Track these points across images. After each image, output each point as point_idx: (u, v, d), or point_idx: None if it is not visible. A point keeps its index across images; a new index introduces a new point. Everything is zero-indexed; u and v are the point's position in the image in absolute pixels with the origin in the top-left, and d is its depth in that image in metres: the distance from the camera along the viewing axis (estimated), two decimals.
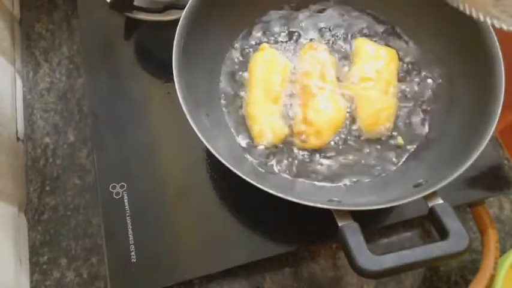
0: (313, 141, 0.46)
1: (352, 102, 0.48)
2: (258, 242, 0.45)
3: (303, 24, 0.53)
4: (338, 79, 0.49)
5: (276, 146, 0.46)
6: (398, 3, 0.51)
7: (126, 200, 0.46)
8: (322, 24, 0.53)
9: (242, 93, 0.49)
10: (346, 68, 0.50)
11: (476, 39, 0.44)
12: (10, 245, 0.46)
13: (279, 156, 0.46)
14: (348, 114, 0.48)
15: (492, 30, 0.42)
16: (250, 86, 0.48)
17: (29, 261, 0.48)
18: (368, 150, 0.47)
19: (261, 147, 0.46)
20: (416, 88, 0.49)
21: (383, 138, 0.47)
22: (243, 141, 0.47)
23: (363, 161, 0.46)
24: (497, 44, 0.43)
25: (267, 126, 0.46)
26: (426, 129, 0.47)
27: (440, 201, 0.37)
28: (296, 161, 0.46)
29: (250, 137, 0.47)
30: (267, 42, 0.51)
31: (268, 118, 0.46)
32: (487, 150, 0.39)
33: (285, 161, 0.46)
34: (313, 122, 0.46)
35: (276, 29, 0.53)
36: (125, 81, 0.53)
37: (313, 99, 0.46)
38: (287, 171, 0.45)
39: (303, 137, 0.46)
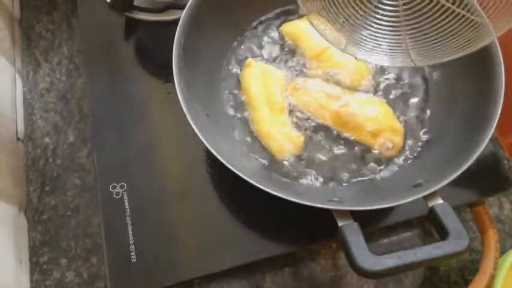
0: (398, 141, 0.46)
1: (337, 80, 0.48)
2: (258, 242, 0.45)
3: None
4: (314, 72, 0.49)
5: (299, 156, 0.46)
6: None
7: (126, 200, 0.46)
8: None
9: (243, 98, 0.49)
10: (313, 63, 0.50)
11: None
12: (10, 245, 0.46)
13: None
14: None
15: (493, 31, 0.42)
16: (252, 104, 0.48)
17: (29, 261, 0.48)
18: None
19: (285, 162, 0.46)
20: (415, 88, 0.49)
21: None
22: (263, 160, 0.46)
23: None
24: (498, 44, 0.43)
25: (285, 139, 0.45)
26: (426, 129, 0.48)
27: (440, 201, 0.37)
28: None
29: (269, 155, 0.46)
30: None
31: (282, 130, 0.46)
32: (487, 150, 0.39)
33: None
34: (381, 128, 0.45)
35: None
36: (125, 81, 0.53)
37: (356, 115, 0.46)
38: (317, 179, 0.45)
39: (389, 145, 0.45)
